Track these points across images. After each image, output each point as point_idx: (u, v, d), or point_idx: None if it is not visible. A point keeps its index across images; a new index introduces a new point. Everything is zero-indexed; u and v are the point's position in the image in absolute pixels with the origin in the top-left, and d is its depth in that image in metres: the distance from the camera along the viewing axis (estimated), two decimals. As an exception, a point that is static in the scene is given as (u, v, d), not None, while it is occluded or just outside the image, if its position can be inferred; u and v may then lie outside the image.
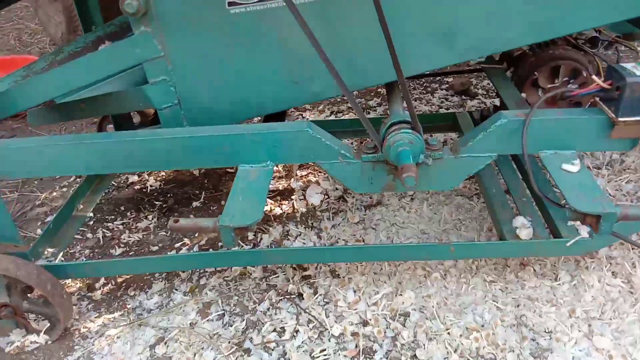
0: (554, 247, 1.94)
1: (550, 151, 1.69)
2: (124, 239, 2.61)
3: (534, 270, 2.19)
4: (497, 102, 3.60)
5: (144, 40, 1.68)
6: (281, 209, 2.70)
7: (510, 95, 2.19)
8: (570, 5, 1.65)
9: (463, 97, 3.74)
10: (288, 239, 2.46)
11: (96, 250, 2.56)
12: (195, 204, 2.81)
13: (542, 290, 2.11)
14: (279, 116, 2.02)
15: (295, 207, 2.69)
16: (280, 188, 2.87)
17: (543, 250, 1.97)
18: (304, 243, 2.42)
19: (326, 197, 2.73)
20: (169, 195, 2.90)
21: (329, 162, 1.74)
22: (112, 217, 2.79)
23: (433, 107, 3.63)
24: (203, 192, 2.88)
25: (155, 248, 2.53)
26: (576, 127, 1.64)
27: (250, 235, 2.50)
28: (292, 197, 2.77)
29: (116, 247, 2.56)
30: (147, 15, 1.64)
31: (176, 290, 2.24)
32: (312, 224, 2.57)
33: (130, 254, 2.51)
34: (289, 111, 3.62)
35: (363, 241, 2.41)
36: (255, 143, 1.70)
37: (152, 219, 2.74)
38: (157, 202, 2.86)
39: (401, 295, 2.10)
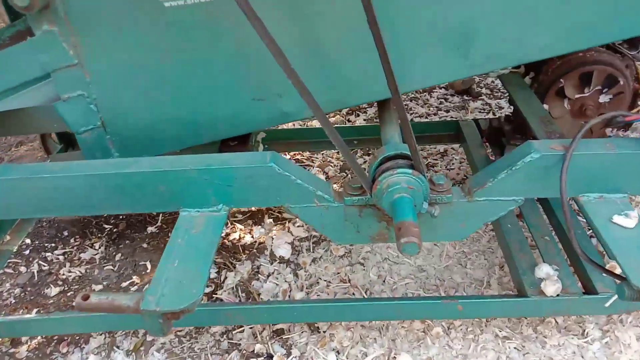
0: (587, 305, 1.55)
1: (593, 195, 1.27)
2: (63, 274, 2.18)
3: (556, 322, 1.79)
4: (503, 105, 3.18)
5: (49, 43, 1.24)
6: (252, 236, 2.27)
7: (531, 109, 1.76)
8: (622, 5, 1.22)
9: (465, 97, 3.31)
10: (258, 279, 2.03)
11: (29, 289, 2.12)
12: (150, 229, 2.37)
13: (567, 351, 1.71)
14: (241, 141, 1.57)
15: (269, 233, 2.27)
16: (253, 209, 2.44)
17: (574, 309, 1.57)
18: (276, 284, 2.00)
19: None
20: (120, 218, 2.46)
21: (301, 206, 1.31)
22: (52, 244, 2.34)
23: (431, 108, 3.20)
24: (161, 214, 2.44)
25: (99, 287, 2.10)
26: (631, 165, 1.22)
27: (213, 273, 2.07)
28: (266, 220, 2.34)
29: (52, 285, 2.12)
30: (50, 10, 1.18)
31: (118, 348, 1.81)
32: (292, 241, 2.15)
33: (68, 294, 2.08)
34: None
35: (349, 281, 1.99)
36: (202, 181, 1.27)
37: (99, 247, 2.30)
38: (106, 226, 2.42)
39: (395, 358, 1.69)
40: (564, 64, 1.83)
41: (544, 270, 1.61)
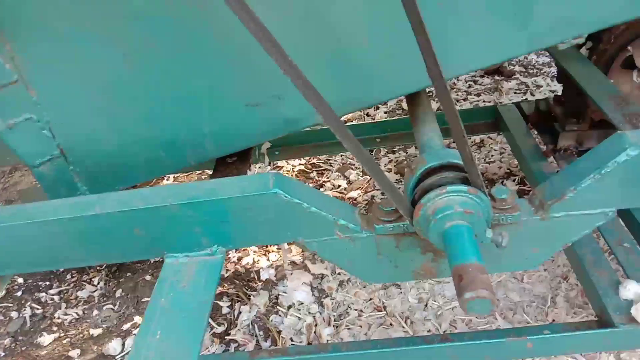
0: (696, 334, 1.20)
1: None
2: (58, 318, 1.92)
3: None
4: (541, 83, 2.81)
5: (-25, 55, 0.94)
6: (268, 259, 1.97)
7: (597, 86, 1.41)
8: None
9: (496, 77, 2.95)
10: (277, 312, 1.73)
11: (20, 337, 1.87)
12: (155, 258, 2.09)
13: (662, 383, 1.38)
14: (242, 156, 1.26)
15: (288, 253, 1.97)
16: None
17: (676, 338, 1.23)
18: (299, 318, 1.69)
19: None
20: (120, 247, 2.18)
21: (320, 240, 1.00)
22: (47, 282, 2.09)
23: (459, 93, 2.85)
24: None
25: (98, 331, 1.83)
26: None
27: (224, 307, 1.78)
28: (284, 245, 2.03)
29: (46, 332, 1.86)
30: (-34, 10, 0.90)
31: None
32: (311, 282, 1.84)
33: (64, 341, 1.82)
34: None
35: (384, 309, 1.68)
36: (187, 219, 0.97)
37: (98, 283, 2.03)
38: (105, 257, 2.14)
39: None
40: (631, 27, 1.47)
41: (631, 289, 1.26)
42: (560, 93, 1.87)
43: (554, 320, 1.57)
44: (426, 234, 0.89)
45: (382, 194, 2.13)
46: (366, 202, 2.14)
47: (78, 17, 0.94)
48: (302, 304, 1.74)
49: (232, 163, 1.30)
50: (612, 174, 0.90)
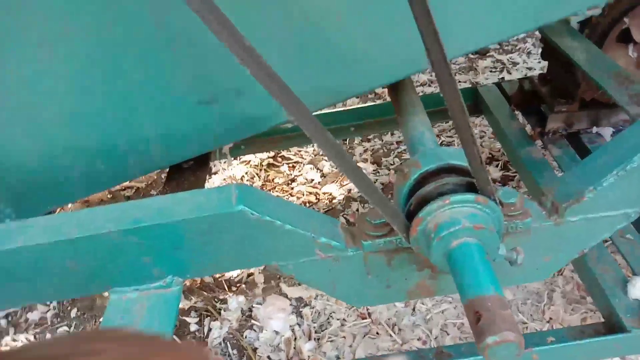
0: None
1: None
2: (6, 345, 1.70)
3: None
4: (517, 60, 2.68)
5: None
6: (239, 265, 1.79)
7: (594, 63, 1.28)
8: None
9: (469, 55, 2.81)
10: (251, 326, 1.57)
11: (-39, 371, 1.65)
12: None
13: (672, 382, 1.28)
14: (199, 160, 1.07)
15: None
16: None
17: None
18: (276, 332, 1.53)
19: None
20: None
21: (297, 262, 0.83)
22: (-9, 304, 1.85)
23: (427, 75, 2.69)
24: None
25: (51, 358, 1.62)
26: None
27: (192, 324, 1.60)
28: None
29: (-10, 363, 1.64)
30: None
31: None
32: (286, 292, 1.67)
33: (12, 372, 1.61)
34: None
35: (369, 316, 1.54)
36: (131, 247, 0.79)
37: (50, 302, 1.82)
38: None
39: None
40: (626, -3, 1.34)
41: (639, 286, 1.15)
42: (543, 71, 1.74)
43: (551, 319, 1.46)
44: (427, 253, 0.73)
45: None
46: (343, 197, 1.98)
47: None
48: (279, 313, 1.58)
49: (189, 168, 1.12)
50: (637, 169, 0.76)
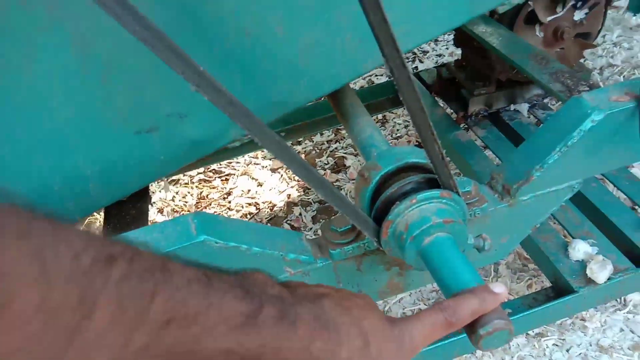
0: (647, 282, 1.20)
1: (668, 152, 0.88)
2: None
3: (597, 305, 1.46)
4: (427, 49, 2.79)
5: None
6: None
7: (511, 45, 1.35)
8: None
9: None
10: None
11: None
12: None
13: (613, 330, 1.39)
14: (138, 195, 1.01)
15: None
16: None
17: (632, 287, 1.23)
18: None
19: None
20: None
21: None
22: None
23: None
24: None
25: None
26: None
27: None
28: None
29: None
30: None
31: None
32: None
33: None
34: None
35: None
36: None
37: None
38: None
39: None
40: (528, -19, 1.43)
41: (580, 249, 1.24)
42: (453, 57, 1.82)
43: (500, 291, 1.53)
44: (400, 255, 0.73)
45: (322, 202, 1.96)
46: (284, 203, 1.96)
47: None
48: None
49: (127, 201, 1.05)
50: (578, 144, 0.81)
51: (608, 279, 1.17)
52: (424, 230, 0.69)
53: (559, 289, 1.22)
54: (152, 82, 0.74)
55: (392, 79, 0.58)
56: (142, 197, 1.04)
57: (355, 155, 2.12)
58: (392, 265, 0.86)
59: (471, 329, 0.59)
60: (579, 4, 1.47)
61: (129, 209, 1.02)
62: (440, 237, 0.69)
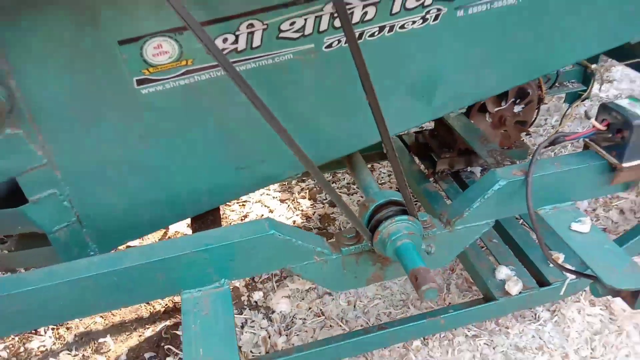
0: (546, 296, 1.77)
1: (549, 207, 1.47)
2: (10, 374, 1.97)
3: (512, 312, 2.01)
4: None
5: (14, 147, 1.13)
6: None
7: (467, 129, 1.95)
8: (555, 46, 1.43)
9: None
10: (234, 331, 2.00)
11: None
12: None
13: (528, 336, 1.94)
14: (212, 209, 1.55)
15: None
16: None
17: (535, 300, 1.79)
18: (254, 333, 1.99)
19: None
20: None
21: (302, 265, 1.34)
22: (-13, 340, 2.09)
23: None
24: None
25: (61, 379, 1.93)
26: (576, 178, 1.44)
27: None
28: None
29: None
30: (13, 113, 1.09)
31: None
32: (255, 302, 2.14)
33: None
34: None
35: (322, 314, 2.05)
36: (201, 262, 1.25)
37: (45, 332, 2.10)
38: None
39: (388, 379, 1.79)
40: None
41: (503, 272, 1.80)
42: (431, 128, 2.42)
43: (449, 304, 2.07)
44: (383, 251, 1.29)
45: (320, 228, 2.51)
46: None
47: (100, 112, 1.18)
48: (253, 321, 2.04)
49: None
50: (491, 198, 1.39)
51: (519, 293, 1.73)
52: (398, 237, 1.25)
53: (487, 298, 1.77)
54: (251, 141, 1.30)
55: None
56: (215, 208, 1.58)
57: (348, 195, 2.69)
58: (377, 261, 1.41)
59: (418, 288, 1.14)
60: (518, 100, 2.09)
61: (207, 215, 1.55)
62: (406, 242, 1.25)
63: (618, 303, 2.02)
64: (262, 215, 2.60)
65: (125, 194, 1.30)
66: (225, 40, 1.13)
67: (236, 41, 1.15)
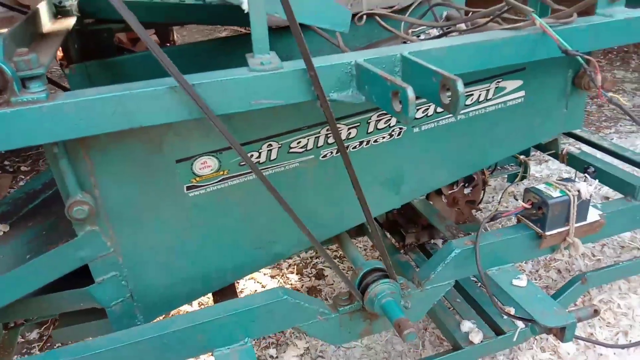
0: (503, 343, 2.14)
1: (494, 268, 1.90)
2: None
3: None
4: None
5: (91, 240, 1.49)
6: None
7: (427, 209, 2.41)
8: (488, 148, 1.94)
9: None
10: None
11: None
12: None
13: (493, 379, 2.29)
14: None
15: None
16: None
17: (494, 348, 2.16)
18: (259, 393, 2.27)
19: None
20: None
21: (308, 323, 1.70)
22: None
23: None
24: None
25: None
26: (513, 244, 1.88)
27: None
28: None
29: None
30: (94, 214, 1.47)
31: None
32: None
33: None
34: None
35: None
36: (231, 324, 1.59)
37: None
38: None
39: None
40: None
41: (466, 325, 2.19)
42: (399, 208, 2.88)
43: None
44: (372, 307, 1.67)
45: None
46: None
47: (158, 211, 1.57)
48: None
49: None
50: (450, 263, 1.81)
51: (481, 342, 2.11)
52: (383, 295, 1.64)
53: (455, 348, 2.14)
54: (266, 226, 1.70)
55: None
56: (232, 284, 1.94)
57: (331, 269, 3.06)
58: (367, 317, 1.78)
59: (400, 333, 1.52)
60: (466, 184, 2.58)
61: (226, 287, 1.90)
62: (389, 300, 1.64)
63: (564, 348, 2.42)
64: (256, 290, 2.94)
65: (169, 274, 1.66)
66: (251, 156, 1.56)
67: (259, 156, 1.58)
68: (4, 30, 1.34)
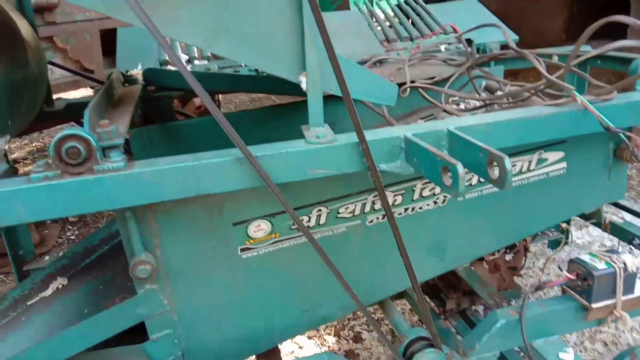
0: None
1: (540, 340, 1.87)
2: None
3: None
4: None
5: (149, 298, 1.57)
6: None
7: (469, 275, 2.42)
8: (531, 218, 1.98)
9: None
10: None
11: None
12: None
13: None
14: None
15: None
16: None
17: None
18: None
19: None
20: None
21: (352, 389, 1.71)
22: None
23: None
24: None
25: None
26: (558, 316, 1.87)
27: None
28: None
29: None
30: (155, 274, 1.55)
31: None
32: None
33: None
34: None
35: None
36: (278, 386, 1.62)
37: None
38: None
39: None
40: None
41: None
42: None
43: None
44: (418, 375, 1.67)
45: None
46: None
47: (213, 272, 1.64)
48: None
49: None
50: (495, 333, 1.81)
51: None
52: (429, 365, 1.64)
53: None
54: (313, 289, 1.75)
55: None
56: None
57: (369, 332, 3.05)
58: (410, 386, 1.78)
59: None
60: (508, 250, 2.58)
61: (270, 350, 1.94)
62: (436, 368, 1.64)
63: None
64: (292, 351, 2.94)
65: (219, 333, 1.71)
66: (302, 219, 1.64)
67: (309, 220, 1.66)
68: (89, 102, 1.48)
